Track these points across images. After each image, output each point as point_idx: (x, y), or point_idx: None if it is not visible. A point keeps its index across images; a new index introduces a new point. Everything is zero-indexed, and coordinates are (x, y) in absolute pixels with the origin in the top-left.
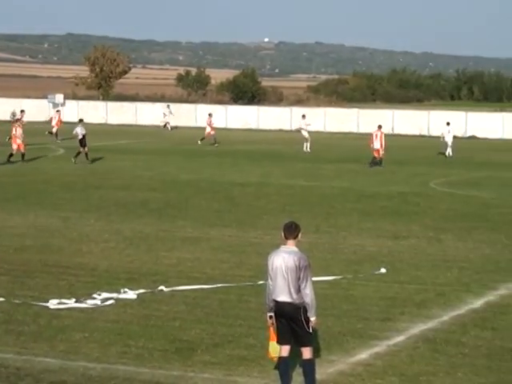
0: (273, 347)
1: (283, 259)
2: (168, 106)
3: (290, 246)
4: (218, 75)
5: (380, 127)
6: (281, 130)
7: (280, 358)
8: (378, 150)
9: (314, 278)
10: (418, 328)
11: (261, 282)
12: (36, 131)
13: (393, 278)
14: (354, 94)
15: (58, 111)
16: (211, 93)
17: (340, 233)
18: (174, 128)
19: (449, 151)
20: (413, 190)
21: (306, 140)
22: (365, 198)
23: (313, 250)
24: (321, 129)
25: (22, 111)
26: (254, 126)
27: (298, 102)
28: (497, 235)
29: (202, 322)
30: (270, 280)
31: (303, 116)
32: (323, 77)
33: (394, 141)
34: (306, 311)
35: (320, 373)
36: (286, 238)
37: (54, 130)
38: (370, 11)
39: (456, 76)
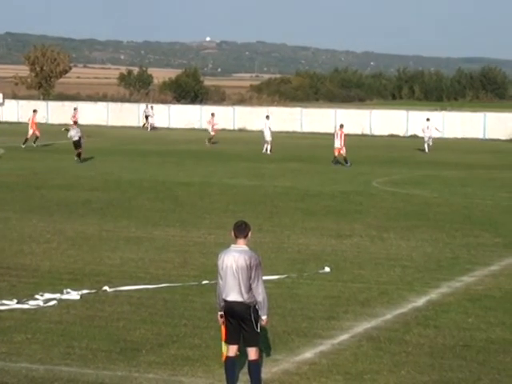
0: (225, 347)
1: (234, 258)
2: (148, 106)
3: (241, 244)
4: (161, 74)
5: (342, 126)
6: (224, 130)
7: (227, 358)
8: (338, 149)
9: None
10: (362, 326)
11: (205, 282)
12: None
13: (337, 276)
14: (296, 93)
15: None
16: (154, 92)
17: (284, 232)
18: (154, 129)
19: (425, 147)
20: (356, 189)
21: (267, 142)
22: (308, 198)
23: (257, 249)
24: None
25: None
26: (196, 126)
27: (241, 101)
28: (438, 234)
29: (146, 322)
30: (220, 279)
31: (267, 117)
32: (266, 76)
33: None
34: (256, 311)
35: (265, 372)
36: (237, 237)
37: (30, 132)
38: (312, 10)
39: (397, 75)
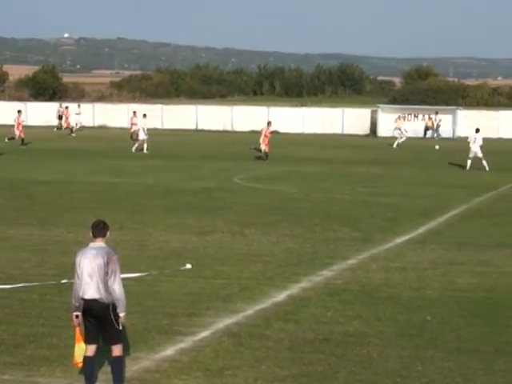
0: (79, 350)
1: (91, 256)
2: (62, 106)
3: (99, 243)
4: (17, 71)
5: (269, 123)
6: (83, 127)
7: (85, 358)
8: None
9: None
10: (223, 322)
11: (64, 281)
12: None
13: (198, 273)
14: (157, 89)
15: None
16: (9, 89)
17: (145, 229)
18: (83, 128)
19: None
20: (218, 186)
21: (144, 141)
22: (170, 194)
23: (118, 247)
24: (124, 125)
25: None
26: (56, 123)
27: (101, 98)
28: (299, 229)
29: (2, 323)
30: (77, 278)
31: (144, 115)
32: (126, 73)
33: (198, 136)
34: (115, 308)
35: (125, 370)
36: (95, 236)
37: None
38: (172, 7)
39: (258, 71)
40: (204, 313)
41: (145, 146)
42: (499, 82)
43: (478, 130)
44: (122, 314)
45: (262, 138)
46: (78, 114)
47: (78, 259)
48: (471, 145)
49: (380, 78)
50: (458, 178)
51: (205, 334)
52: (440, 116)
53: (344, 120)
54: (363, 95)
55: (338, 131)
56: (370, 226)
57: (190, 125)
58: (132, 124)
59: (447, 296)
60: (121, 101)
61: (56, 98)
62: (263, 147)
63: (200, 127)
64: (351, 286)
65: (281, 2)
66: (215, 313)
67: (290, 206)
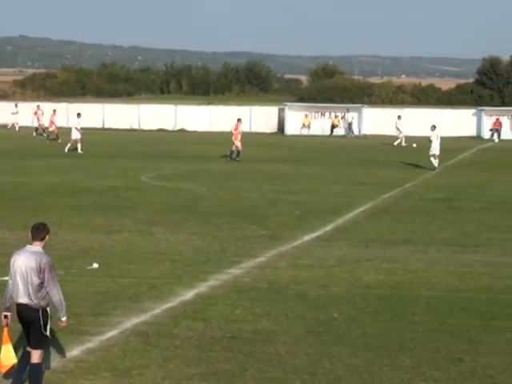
0: (5, 353)
1: (25, 258)
2: (16, 106)
3: (36, 246)
4: None
5: (239, 120)
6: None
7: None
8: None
9: None
10: (131, 322)
11: None
12: None
13: (105, 272)
14: (62, 88)
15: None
16: None
17: (51, 228)
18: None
19: (398, 142)
20: (125, 184)
21: (77, 141)
22: (77, 193)
23: (20, 246)
24: (28, 124)
25: None
26: None
27: (4, 96)
28: (207, 227)
29: None
30: (10, 279)
31: (78, 114)
32: (30, 71)
33: (105, 134)
34: (45, 314)
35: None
36: (33, 239)
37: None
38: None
39: (165, 70)
40: (111, 312)
41: (78, 145)
42: (403, 79)
43: (434, 127)
44: (63, 319)
45: (234, 136)
46: (14, 113)
47: (12, 259)
48: (434, 142)
49: (287, 76)
50: (364, 175)
51: (112, 333)
52: (347, 114)
53: (251, 118)
54: (270, 93)
55: (246, 129)
56: (278, 223)
57: (96, 123)
58: (51, 122)
59: (354, 293)
60: (25, 99)
61: None
62: (238, 144)
63: (107, 126)
64: (259, 284)
65: (187, 0)
66: (123, 312)
67: (198, 204)
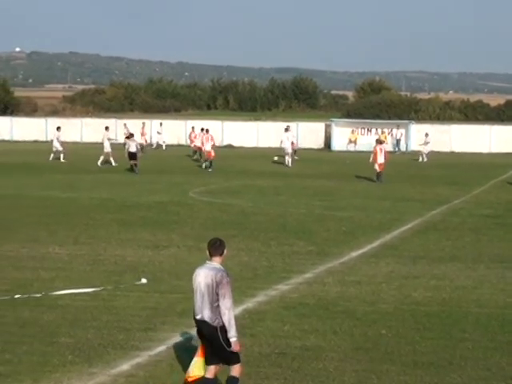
0: (197, 364)
1: (203, 275)
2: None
3: (214, 262)
4: None
5: (206, 131)
6: (36, 141)
7: (204, 378)
8: (208, 152)
9: (73, 291)
10: (179, 337)
11: (17, 296)
12: None
13: (154, 287)
14: (111, 104)
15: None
16: None
17: (100, 244)
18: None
19: (423, 158)
20: (172, 200)
21: (109, 154)
22: (125, 209)
23: (72, 261)
24: (77, 139)
25: None
26: (7, 138)
27: (54, 112)
28: (254, 243)
29: None
30: (194, 296)
31: (106, 128)
32: (79, 87)
33: (153, 150)
34: (224, 331)
35: None
36: (211, 255)
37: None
38: (124, 21)
39: (211, 85)
40: (160, 327)
41: (111, 158)
42: (451, 96)
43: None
44: (232, 340)
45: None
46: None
47: (194, 276)
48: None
49: (334, 91)
50: (412, 191)
51: (161, 348)
52: (395, 130)
53: (298, 134)
54: (317, 109)
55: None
56: (326, 239)
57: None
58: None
59: (402, 309)
60: (74, 115)
61: (8, 113)
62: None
63: (154, 141)
64: (307, 300)
65: (234, 17)
66: (171, 327)
67: (246, 220)
